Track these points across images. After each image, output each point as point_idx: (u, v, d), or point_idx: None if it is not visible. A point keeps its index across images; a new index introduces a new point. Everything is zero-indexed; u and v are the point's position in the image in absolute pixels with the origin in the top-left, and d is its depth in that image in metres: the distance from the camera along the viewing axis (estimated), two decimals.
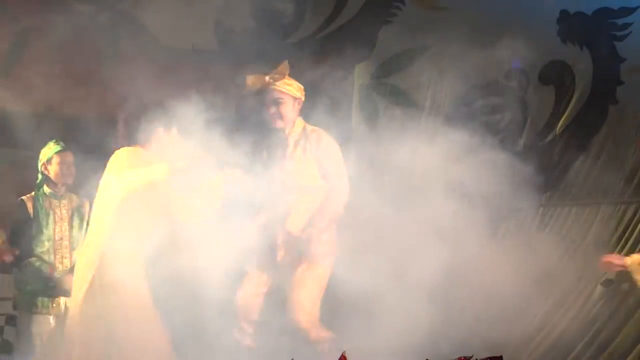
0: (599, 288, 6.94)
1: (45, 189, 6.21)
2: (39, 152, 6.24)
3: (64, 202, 6.26)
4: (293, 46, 7.10)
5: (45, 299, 6.17)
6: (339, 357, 5.21)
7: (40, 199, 6.23)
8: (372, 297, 5.99)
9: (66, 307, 6.10)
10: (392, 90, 7.01)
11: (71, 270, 6.08)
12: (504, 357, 5.21)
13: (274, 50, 6.54)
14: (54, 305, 6.15)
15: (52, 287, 6.14)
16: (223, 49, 6.86)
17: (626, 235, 6.86)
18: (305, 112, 6.03)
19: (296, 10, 6.95)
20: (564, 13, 7.09)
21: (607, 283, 6.86)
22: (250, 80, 6.04)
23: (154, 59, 6.56)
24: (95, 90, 6.69)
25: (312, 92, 6.14)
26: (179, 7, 6.66)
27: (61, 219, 6.21)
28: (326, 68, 6.40)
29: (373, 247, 5.97)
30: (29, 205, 6.20)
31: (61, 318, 6.07)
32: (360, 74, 6.82)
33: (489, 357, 5.26)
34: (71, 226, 6.27)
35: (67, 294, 6.05)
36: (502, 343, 6.02)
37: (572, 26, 7.16)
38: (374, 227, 6.04)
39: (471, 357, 5.18)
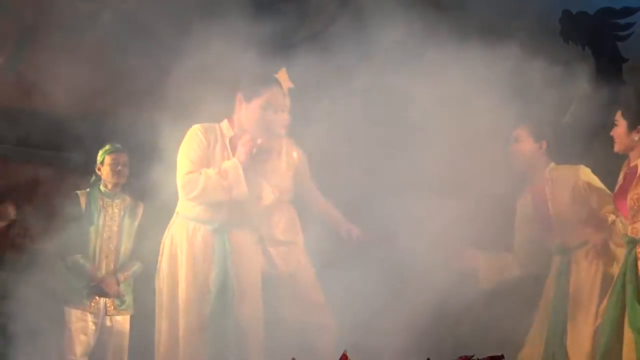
0: None
1: (100, 187, 6.38)
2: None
3: (117, 201, 6.43)
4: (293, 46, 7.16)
5: (85, 297, 6.31)
6: (340, 356, 5.21)
7: (94, 194, 6.41)
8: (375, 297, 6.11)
9: (105, 307, 6.33)
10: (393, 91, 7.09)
11: (114, 273, 6.33)
12: (505, 356, 5.24)
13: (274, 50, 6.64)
14: (93, 304, 6.30)
15: (92, 287, 6.30)
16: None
17: None
18: (305, 114, 6.11)
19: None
20: (566, 13, 7.13)
21: None
22: None
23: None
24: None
25: (312, 92, 6.19)
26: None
27: (112, 218, 6.40)
28: (327, 68, 6.46)
29: None
30: (82, 200, 6.37)
31: (99, 317, 6.33)
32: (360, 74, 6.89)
33: (490, 357, 5.29)
34: (121, 227, 6.42)
35: (106, 295, 6.30)
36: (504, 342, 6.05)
37: (574, 26, 7.18)
38: None
39: (472, 356, 5.19)
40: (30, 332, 6.22)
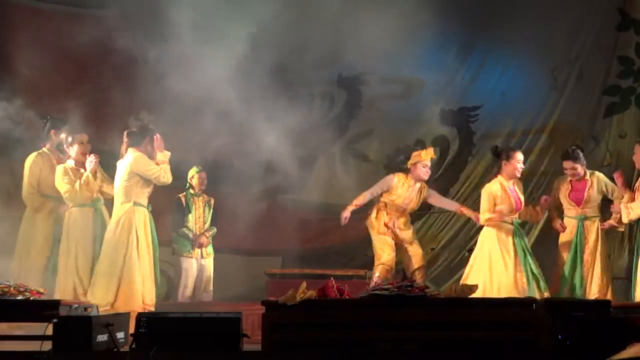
0: None
1: (190, 191, 9.22)
2: None
3: (200, 199, 9.25)
4: None
5: (190, 249, 9.12)
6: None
7: (188, 196, 9.29)
8: None
9: (201, 255, 9.07)
10: None
11: (203, 234, 9.04)
12: None
13: None
14: (194, 252, 9.18)
15: (193, 243, 9.17)
16: None
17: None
18: None
19: None
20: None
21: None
22: None
23: None
24: None
25: None
26: None
27: (198, 208, 9.21)
28: None
29: None
30: (183, 199, 9.28)
31: (198, 259, 9.21)
32: None
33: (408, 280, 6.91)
34: (204, 212, 9.27)
35: (201, 246, 9.09)
36: None
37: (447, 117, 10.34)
38: None
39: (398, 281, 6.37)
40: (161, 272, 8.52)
